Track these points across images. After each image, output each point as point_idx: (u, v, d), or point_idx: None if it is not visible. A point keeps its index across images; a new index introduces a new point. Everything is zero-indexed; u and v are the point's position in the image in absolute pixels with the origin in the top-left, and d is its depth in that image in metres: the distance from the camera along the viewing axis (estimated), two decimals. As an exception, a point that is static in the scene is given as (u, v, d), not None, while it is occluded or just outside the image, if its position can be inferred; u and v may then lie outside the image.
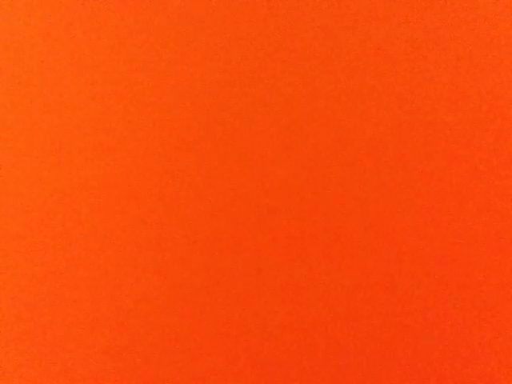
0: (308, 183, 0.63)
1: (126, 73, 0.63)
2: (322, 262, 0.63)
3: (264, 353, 0.62)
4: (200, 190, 0.63)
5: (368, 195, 0.63)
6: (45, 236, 0.62)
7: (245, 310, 0.62)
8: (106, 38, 0.63)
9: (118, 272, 0.62)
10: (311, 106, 0.63)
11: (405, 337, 0.62)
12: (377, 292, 0.62)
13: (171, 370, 0.62)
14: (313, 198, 0.63)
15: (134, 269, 0.62)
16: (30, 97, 0.62)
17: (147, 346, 0.62)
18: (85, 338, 0.62)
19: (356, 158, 0.63)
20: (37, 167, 0.62)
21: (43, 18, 0.62)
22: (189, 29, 0.63)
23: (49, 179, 0.62)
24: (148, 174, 0.62)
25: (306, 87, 0.63)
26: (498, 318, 0.63)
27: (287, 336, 0.62)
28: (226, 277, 0.62)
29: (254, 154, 0.63)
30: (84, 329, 0.62)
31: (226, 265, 0.62)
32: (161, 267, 0.62)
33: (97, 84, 0.63)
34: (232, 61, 0.63)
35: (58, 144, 0.62)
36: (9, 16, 0.62)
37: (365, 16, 0.63)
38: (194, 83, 0.63)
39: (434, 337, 0.63)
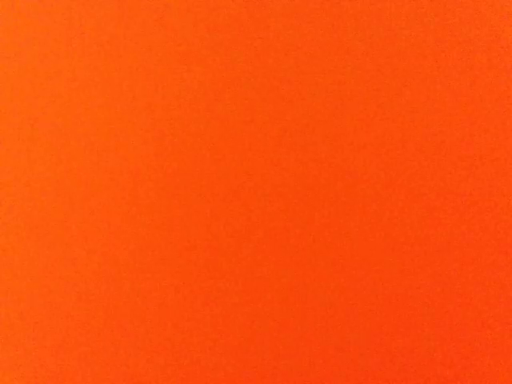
0: (308, 184, 0.63)
1: (126, 73, 0.63)
2: (323, 263, 0.63)
3: (264, 353, 0.62)
4: (200, 190, 0.63)
5: (368, 196, 0.63)
6: (44, 236, 0.62)
7: (245, 310, 0.62)
8: (106, 38, 0.63)
9: (118, 272, 0.62)
10: (311, 106, 0.63)
11: (405, 337, 0.63)
12: (377, 292, 0.63)
13: (171, 369, 0.62)
14: (313, 199, 0.63)
15: (134, 269, 0.62)
16: (30, 97, 0.62)
17: (147, 346, 0.62)
18: (85, 338, 0.62)
19: (356, 159, 0.63)
20: (36, 167, 0.62)
21: (43, 18, 0.62)
22: (189, 29, 0.63)
23: (49, 179, 0.62)
24: (148, 174, 0.62)
25: (306, 88, 0.63)
26: (498, 318, 0.63)
27: (287, 336, 0.62)
28: (226, 277, 0.62)
29: (254, 155, 0.63)
30: (84, 329, 0.62)
31: (226, 265, 0.62)
32: (161, 267, 0.62)
33: (97, 84, 0.63)
34: (232, 61, 0.63)
35: (58, 144, 0.62)
36: (9, 16, 0.62)
37: (365, 16, 0.64)
38: (193, 83, 0.63)
39: (433, 337, 0.63)
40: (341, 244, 0.63)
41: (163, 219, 0.62)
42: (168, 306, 0.62)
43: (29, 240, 0.62)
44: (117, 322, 0.62)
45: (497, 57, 0.64)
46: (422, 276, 0.63)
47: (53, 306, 0.62)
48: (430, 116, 0.63)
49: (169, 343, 0.62)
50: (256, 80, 0.63)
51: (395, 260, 0.63)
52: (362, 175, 0.63)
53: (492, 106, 0.64)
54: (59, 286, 0.62)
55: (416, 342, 0.63)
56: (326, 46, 0.63)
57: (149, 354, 0.62)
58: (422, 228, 0.63)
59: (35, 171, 0.62)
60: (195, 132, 0.63)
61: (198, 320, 0.62)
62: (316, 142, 0.63)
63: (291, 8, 0.63)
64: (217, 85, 0.63)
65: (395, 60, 0.63)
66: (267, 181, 0.63)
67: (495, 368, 0.63)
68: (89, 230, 0.62)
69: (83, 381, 0.62)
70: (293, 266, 0.63)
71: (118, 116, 0.63)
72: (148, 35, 0.63)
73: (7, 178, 0.62)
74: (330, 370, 0.62)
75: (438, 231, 0.63)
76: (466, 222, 0.63)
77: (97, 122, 0.62)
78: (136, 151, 0.63)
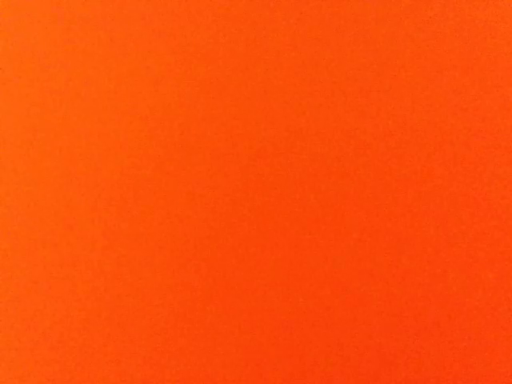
0: (308, 184, 0.63)
1: (126, 73, 0.63)
2: (322, 263, 0.63)
3: (264, 353, 0.62)
4: (200, 190, 0.63)
5: (368, 196, 0.63)
6: (44, 236, 0.62)
7: (245, 310, 0.62)
8: (106, 38, 0.63)
9: (118, 273, 0.62)
10: (311, 107, 0.63)
11: (405, 338, 0.63)
12: (377, 293, 0.63)
13: (171, 370, 0.62)
14: (313, 199, 0.63)
15: (134, 269, 0.62)
16: (30, 97, 0.62)
17: (147, 347, 0.62)
18: (85, 338, 0.62)
19: (356, 159, 0.63)
20: (37, 167, 0.62)
21: (44, 18, 0.62)
22: (188, 29, 0.63)
23: (49, 179, 0.62)
24: (148, 174, 0.62)
25: (306, 88, 0.63)
26: (498, 318, 0.63)
27: (287, 337, 0.62)
28: (226, 277, 0.62)
29: (254, 155, 0.63)
30: (84, 329, 0.62)
31: (226, 265, 0.62)
32: (161, 268, 0.62)
33: (96, 84, 0.63)
34: (232, 61, 0.63)
35: (58, 144, 0.62)
36: (9, 16, 0.62)
37: (365, 16, 0.64)
38: (193, 84, 0.63)
39: (433, 338, 0.63)
40: (341, 244, 0.63)
41: (163, 219, 0.62)
42: (168, 307, 0.62)
43: (29, 240, 0.62)
44: (117, 322, 0.62)
45: (497, 57, 0.64)
46: (422, 276, 0.63)
47: (53, 307, 0.62)
48: (429, 116, 0.63)
49: (169, 343, 0.62)
50: (256, 80, 0.63)
51: (395, 260, 0.63)
52: (362, 175, 0.63)
53: (492, 107, 0.64)
54: (59, 286, 0.62)
55: (416, 342, 0.63)
56: (326, 46, 0.63)
57: (149, 354, 0.62)
58: (422, 228, 0.63)
59: (35, 171, 0.62)
60: (195, 132, 0.63)
61: (198, 320, 0.62)
62: (316, 143, 0.63)
63: (291, 8, 0.63)
64: (216, 85, 0.63)
65: (395, 60, 0.64)
66: (267, 181, 0.63)
67: (495, 368, 0.63)
68: (88, 231, 0.62)
69: (83, 381, 0.62)
70: (293, 266, 0.63)
71: (117, 116, 0.63)
72: (148, 35, 0.63)
73: (7, 178, 0.62)
74: (330, 370, 0.63)
75: (437, 232, 0.63)
76: (466, 222, 0.63)
77: (96, 122, 0.62)
78: (136, 151, 0.63)
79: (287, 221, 0.63)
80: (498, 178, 0.63)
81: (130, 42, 0.63)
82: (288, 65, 0.63)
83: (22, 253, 0.62)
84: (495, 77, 0.64)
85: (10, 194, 0.62)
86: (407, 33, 0.63)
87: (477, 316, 0.63)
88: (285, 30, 0.63)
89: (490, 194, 0.63)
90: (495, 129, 0.63)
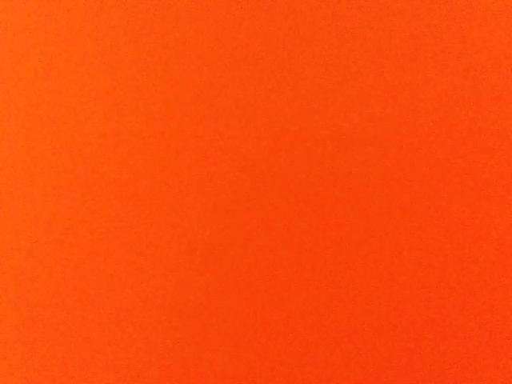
0: (308, 184, 0.63)
1: (126, 73, 0.63)
2: (322, 264, 0.63)
3: (264, 353, 0.62)
4: (199, 190, 0.63)
5: (368, 196, 0.63)
6: (44, 236, 0.62)
7: (245, 310, 0.62)
8: (106, 38, 0.63)
9: (118, 273, 0.62)
10: (311, 106, 0.63)
11: (404, 338, 0.63)
12: (377, 293, 0.63)
13: (171, 370, 0.62)
14: (313, 200, 0.63)
15: (134, 269, 0.62)
16: (30, 97, 0.62)
17: (147, 347, 0.62)
18: (85, 338, 0.62)
19: (356, 159, 0.63)
20: (37, 167, 0.62)
21: (43, 18, 0.62)
22: (188, 29, 0.63)
23: (49, 179, 0.62)
24: (147, 174, 0.62)
25: (305, 88, 0.63)
26: (498, 319, 0.63)
27: (287, 337, 0.62)
28: (226, 278, 0.62)
29: (253, 155, 0.63)
30: (84, 329, 0.62)
31: (226, 266, 0.62)
32: (160, 268, 0.62)
33: (96, 84, 0.63)
34: (232, 61, 0.63)
35: (58, 144, 0.62)
36: (9, 16, 0.62)
37: (365, 16, 0.64)
38: (193, 84, 0.63)
39: (433, 338, 0.63)
40: (341, 244, 0.63)
41: (163, 220, 0.62)
42: (168, 307, 0.62)
43: (28, 240, 0.62)
44: (116, 323, 0.62)
45: (497, 57, 0.64)
46: (422, 277, 0.63)
47: (53, 307, 0.62)
48: (430, 117, 0.63)
49: (169, 344, 0.62)
50: (256, 80, 0.63)
51: (395, 261, 0.63)
52: (362, 176, 0.63)
53: (492, 107, 0.64)
54: (59, 286, 0.62)
55: (416, 342, 0.63)
56: (326, 46, 0.63)
57: (149, 354, 0.62)
58: (422, 229, 0.63)
59: (35, 171, 0.62)
60: (195, 133, 0.63)
61: (198, 320, 0.62)
62: (316, 143, 0.63)
63: (291, 8, 0.63)
64: (217, 85, 0.63)
65: (395, 60, 0.63)
66: (267, 181, 0.63)
67: (495, 368, 0.63)
68: (88, 231, 0.62)
69: (83, 381, 0.62)
70: (292, 267, 0.63)
71: (117, 116, 0.63)
72: (148, 35, 0.63)
73: (7, 178, 0.62)
74: (330, 370, 0.63)
75: (438, 232, 0.63)
76: (466, 222, 0.63)
77: (96, 122, 0.62)
78: (135, 152, 0.63)
79: (287, 221, 0.63)
80: (497, 178, 0.63)
81: (130, 41, 0.63)
82: (287, 64, 0.63)
83: (21, 253, 0.62)
84: (495, 77, 0.64)
85: (10, 194, 0.62)
86: (407, 32, 0.63)
87: (477, 316, 0.63)
88: (284, 30, 0.63)
89: (490, 194, 0.63)
90: (495, 129, 0.63)
